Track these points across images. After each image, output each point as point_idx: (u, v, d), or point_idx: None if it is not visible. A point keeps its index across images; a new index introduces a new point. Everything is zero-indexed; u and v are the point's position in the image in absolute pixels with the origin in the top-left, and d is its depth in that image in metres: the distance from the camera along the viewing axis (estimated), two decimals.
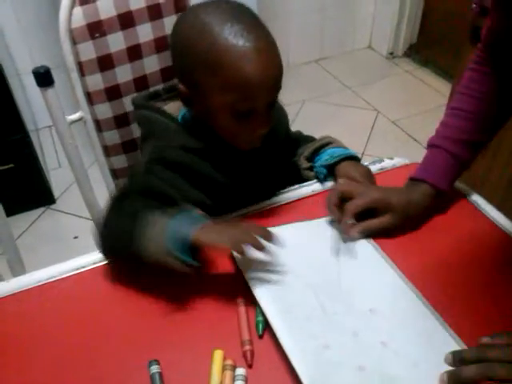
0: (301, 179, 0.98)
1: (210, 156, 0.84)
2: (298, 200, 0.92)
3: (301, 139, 1.03)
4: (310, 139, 1.03)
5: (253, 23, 0.74)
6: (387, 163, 0.99)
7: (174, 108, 0.89)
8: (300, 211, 0.89)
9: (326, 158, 0.93)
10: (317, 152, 0.96)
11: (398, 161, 1.00)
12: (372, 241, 0.83)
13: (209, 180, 0.84)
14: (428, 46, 2.84)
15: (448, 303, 0.72)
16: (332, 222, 0.85)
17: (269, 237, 0.71)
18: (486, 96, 0.84)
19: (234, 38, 0.71)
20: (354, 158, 0.93)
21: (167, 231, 0.69)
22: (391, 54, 2.96)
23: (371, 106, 2.59)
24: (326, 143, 0.96)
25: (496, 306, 0.72)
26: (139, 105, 0.90)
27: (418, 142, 2.28)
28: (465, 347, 0.65)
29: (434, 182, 0.83)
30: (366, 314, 0.71)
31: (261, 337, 0.69)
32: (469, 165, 0.87)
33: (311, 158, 0.96)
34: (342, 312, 0.71)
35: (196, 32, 0.74)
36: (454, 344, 0.67)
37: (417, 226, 0.84)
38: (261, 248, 0.70)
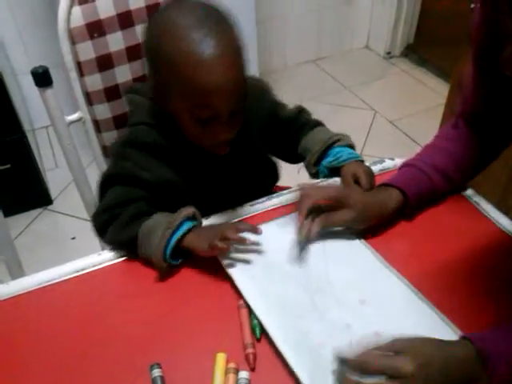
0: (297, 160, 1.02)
1: (175, 138, 0.84)
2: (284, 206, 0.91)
3: (300, 121, 1.01)
4: (312, 123, 1.01)
5: (216, 29, 0.73)
6: (388, 164, 0.99)
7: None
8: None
9: (330, 159, 0.93)
10: (324, 152, 0.95)
11: (398, 161, 1.00)
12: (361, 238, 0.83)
13: (183, 161, 0.85)
14: (425, 46, 2.84)
15: (442, 294, 0.73)
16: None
17: (253, 230, 0.77)
18: (463, 145, 0.88)
19: (192, 44, 0.71)
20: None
21: (166, 246, 0.75)
22: (388, 54, 2.96)
23: (369, 105, 2.59)
24: (334, 142, 0.95)
25: (490, 295, 0.73)
26: (125, 89, 0.93)
27: (416, 141, 2.28)
28: (460, 333, 0.66)
29: (401, 187, 0.83)
30: (357, 305, 0.72)
31: (259, 340, 0.68)
32: (438, 192, 0.87)
33: (317, 162, 0.95)
34: (332, 306, 0.72)
35: (161, 34, 0.74)
36: (448, 330, 0.68)
37: (378, 226, 0.83)
38: (242, 241, 0.76)
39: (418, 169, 0.86)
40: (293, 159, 1.04)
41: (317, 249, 0.81)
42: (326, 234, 0.82)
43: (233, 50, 0.75)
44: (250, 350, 0.66)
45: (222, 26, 0.74)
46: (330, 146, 0.94)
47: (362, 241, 0.83)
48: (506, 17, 0.56)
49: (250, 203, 0.91)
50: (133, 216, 0.80)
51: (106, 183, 0.85)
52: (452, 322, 0.69)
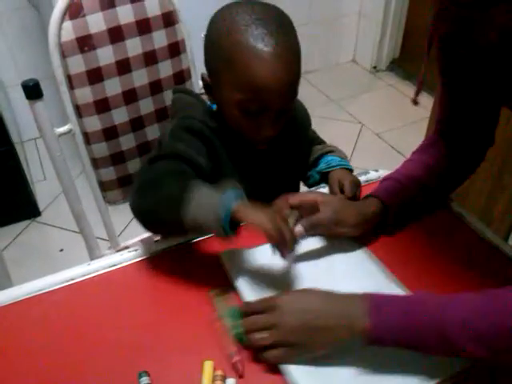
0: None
1: (223, 138, 0.87)
2: None
3: (313, 141, 1.05)
4: (318, 142, 1.05)
5: (277, 29, 0.76)
6: (372, 175, 1.01)
7: (207, 99, 0.92)
8: None
9: (322, 166, 0.98)
10: (317, 160, 1.00)
11: (383, 173, 1.02)
12: (365, 248, 0.84)
13: (218, 157, 0.87)
14: (410, 61, 2.90)
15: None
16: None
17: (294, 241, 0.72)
18: (438, 156, 0.90)
19: (254, 40, 0.75)
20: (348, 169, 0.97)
21: (221, 204, 0.68)
22: (375, 68, 3.02)
23: (355, 118, 2.63)
24: (327, 151, 1.00)
25: None
26: (177, 89, 0.96)
27: (401, 153, 2.32)
28: None
29: (378, 195, 0.85)
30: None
31: (246, 347, 0.69)
32: (418, 200, 0.89)
33: (310, 168, 1.00)
34: None
35: (224, 28, 0.78)
36: None
37: (356, 232, 0.83)
38: (288, 247, 0.70)
39: (395, 180, 0.88)
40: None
41: (322, 264, 0.82)
42: (332, 249, 0.84)
43: (290, 51, 0.78)
44: (236, 358, 0.67)
45: (283, 25, 0.78)
46: (323, 155, 0.99)
47: (367, 252, 0.84)
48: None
49: None
50: (178, 172, 0.77)
51: (155, 161, 0.80)
52: None
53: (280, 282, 0.78)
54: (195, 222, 0.69)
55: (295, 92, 0.82)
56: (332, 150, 1.00)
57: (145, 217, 0.76)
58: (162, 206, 0.73)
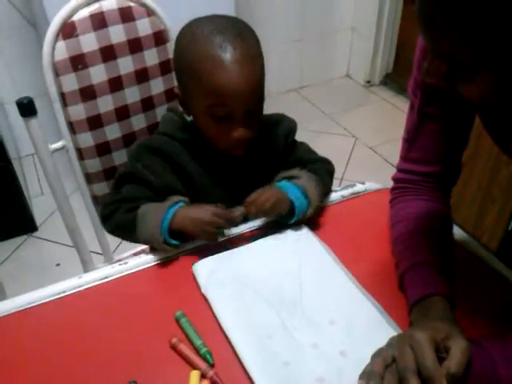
0: None
1: (192, 149, 0.92)
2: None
3: (303, 163, 0.99)
4: (308, 157, 1.00)
5: (235, 36, 0.81)
6: (359, 188, 1.03)
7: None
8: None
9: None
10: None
11: (369, 185, 1.04)
12: (332, 253, 0.87)
13: (185, 170, 0.92)
14: (403, 75, 2.93)
15: (406, 314, 0.75)
16: (292, 236, 0.90)
17: (233, 219, 0.86)
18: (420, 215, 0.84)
19: (213, 48, 0.80)
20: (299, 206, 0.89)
21: (160, 226, 0.84)
22: (368, 83, 3.05)
23: (349, 132, 2.66)
24: (292, 176, 0.93)
25: (465, 322, 0.73)
26: (169, 108, 1.01)
27: (395, 166, 2.34)
28: None
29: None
30: (326, 325, 0.75)
31: (212, 365, 0.70)
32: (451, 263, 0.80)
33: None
34: (302, 326, 0.75)
35: (187, 41, 0.83)
36: None
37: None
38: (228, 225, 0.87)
39: (424, 266, 0.78)
40: None
41: (291, 270, 0.84)
42: (302, 255, 0.86)
43: (249, 56, 0.82)
44: (211, 373, 0.68)
45: (241, 35, 0.82)
46: (290, 178, 0.93)
47: (337, 260, 0.86)
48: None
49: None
50: (136, 207, 0.88)
51: (119, 179, 0.94)
52: None
53: (251, 288, 0.80)
54: (147, 242, 0.89)
55: (261, 94, 0.86)
56: (297, 177, 0.92)
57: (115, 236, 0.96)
58: (121, 233, 0.94)
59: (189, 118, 0.95)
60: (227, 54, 0.79)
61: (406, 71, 3.34)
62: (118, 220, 0.90)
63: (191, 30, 0.83)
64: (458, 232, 0.92)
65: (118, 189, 0.94)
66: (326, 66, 3.07)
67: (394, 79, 3.00)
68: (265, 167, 0.97)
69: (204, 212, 0.86)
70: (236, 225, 0.90)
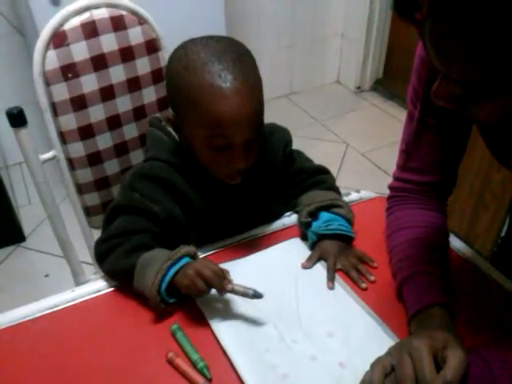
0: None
1: (187, 174, 0.87)
2: (270, 234, 0.94)
3: (315, 179, 0.99)
4: (326, 186, 0.98)
5: (233, 63, 0.77)
6: (354, 196, 1.03)
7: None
8: (270, 244, 0.92)
9: (320, 225, 0.89)
10: (320, 209, 0.92)
11: (364, 193, 1.04)
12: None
13: (184, 196, 0.87)
14: (393, 81, 2.95)
15: (404, 323, 0.75)
16: (288, 248, 0.89)
17: (221, 276, 0.76)
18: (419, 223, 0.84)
19: (211, 78, 0.76)
20: (346, 237, 0.90)
21: (162, 280, 0.76)
22: (359, 89, 3.06)
23: (340, 138, 2.67)
24: (333, 205, 0.92)
25: (460, 329, 0.74)
26: (151, 123, 0.95)
27: (386, 172, 2.35)
28: None
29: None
30: (324, 337, 0.74)
31: (210, 380, 0.69)
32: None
33: (312, 213, 0.91)
34: (300, 339, 0.74)
35: (182, 67, 0.79)
36: None
37: None
38: (220, 286, 0.76)
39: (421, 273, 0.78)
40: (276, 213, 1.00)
41: (288, 282, 0.83)
42: (298, 267, 0.85)
43: (248, 84, 0.78)
44: None
45: (239, 59, 0.78)
46: (330, 206, 0.92)
47: (335, 275, 0.85)
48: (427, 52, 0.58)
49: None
50: (135, 247, 0.81)
51: (113, 213, 0.87)
52: None
53: (247, 301, 0.78)
54: (142, 293, 0.78)
55: (260, 122, 0.83)
56: (338, 205, 0.92)
57: (103, 270, 0.86)
58: (118, 279, 0.84)
59: (177, 136, 0.90)
60: (227, 84, 0.75)
61: (396, 77, 3.37)
62: (114, 265, 0.82)
63: (186, 55, 0.79)
64: (452, 239, 0.92)
65: (111, 223, 0.86)
66: (317, 72, 3.08)
67: (384, 85, 3.01)
68: (265, 182, 0.94)
69: (204, 268, 0.76)
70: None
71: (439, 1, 0.51)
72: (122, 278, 0.83)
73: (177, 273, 0.76)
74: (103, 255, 0.84)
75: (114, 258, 0.82)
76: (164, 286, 0.76)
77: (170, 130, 0.90)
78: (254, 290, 0.75)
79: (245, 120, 0.78)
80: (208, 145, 0.80)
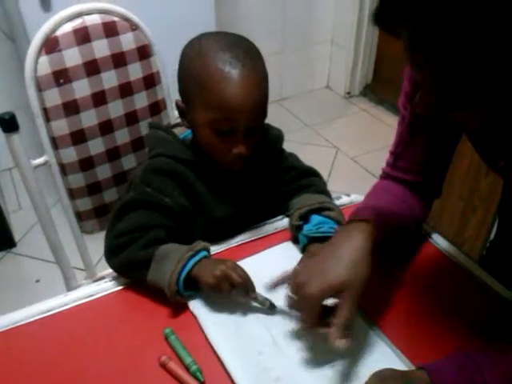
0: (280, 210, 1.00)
1: (194, 169, 0.90)
2: (262, 238, 0.95)
3: (305, 181, 1.01)
4: (317, 189, 1.00)
5: (244, 54, 0.82)
6: (344, 200, 1.04)
7: (179, 131, 0.96)
8: (262, 248, 0.92)
9: (311, 228, 0.90)
10: (311, 212, 0.93)
11: (354, 197, 1.05)
12: None
13: (191, 189, 0.90)
14: (382, 86, 2.98)
15: (396, 325, 0.77)
16: (281, 251, 0.90)
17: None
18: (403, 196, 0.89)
19: (222, 63, 0.80)
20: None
21: (178, 278, 0.78)
22: (348, 94, 3.09)
23: (330, 143, 2.68)
24: (324, 208, 0.93)
25: (446, 328, 0.76)
26: (151, 125, 0.98)
27: (376, 176, 2.35)
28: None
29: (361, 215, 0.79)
30: (317, 340, 0.74)
31: (204, 383, 0.69)
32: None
33: (304, 216, 0.92)
34: (292, 342, 0.75)
35: (194, 53, 0.84)
36: (402, 366, 0.70)
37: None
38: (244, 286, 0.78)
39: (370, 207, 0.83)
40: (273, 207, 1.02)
41: (280, 286, 0.83)
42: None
43: (257, 73, 0.83)
44: None
45: (249, 52, 0.84)
46: (322, 209, 0.93)
47: None
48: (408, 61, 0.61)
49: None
50: (152, 241, 0.83)
51: (126, 208, 0.87)
52: (407, 359, 0.72)
53: (240, 304, 0.79)
54: (154, 285, 0.80)
55: (264, 111, 0.87)
56: (328, 208, 0.93)
57: (118, 272, 0.87)
58: (127, 270, 0.84)
59: (179, 134, 0.94)
60: (236, 70, 0.80)
61: (385, 82, 3.39)
62: (131, 256, 0.82)
63: (200, 44, 0.84)
64: (441, 242, 0.94)
65: (120, 219, 0.86)
66: (307, 77, 3.10)
67: (373, 90, 3.04)
68: (262, 177, 0.97)
69: (233, 272, 0.77)
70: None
71: (410, 16, 0.55)
72: (134, 271, 0.83)
73: (195, 265, 0.79)
74: (117, 249, 0.83)
75: (131, 251, 0.82)
76: (183, 275, 0.78)
77: (170, 129, 0.93)
78: (271, 302, 0.78)
79: (250, 106, 0.82)
80: (212, 129, 0.84)
